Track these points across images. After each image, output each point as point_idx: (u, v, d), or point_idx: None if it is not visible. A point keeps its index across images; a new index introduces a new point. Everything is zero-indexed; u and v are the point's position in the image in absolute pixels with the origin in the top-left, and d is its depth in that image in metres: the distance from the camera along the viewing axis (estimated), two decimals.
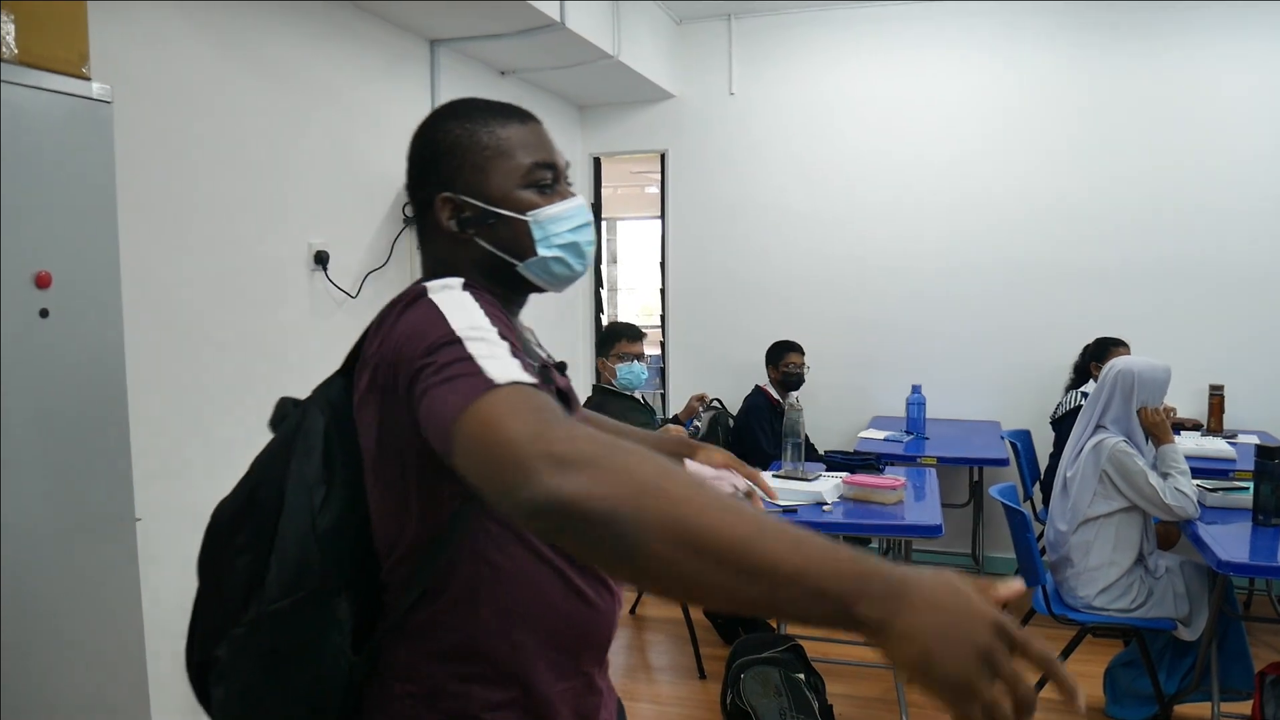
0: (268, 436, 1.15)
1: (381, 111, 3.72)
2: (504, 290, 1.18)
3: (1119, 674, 3.49)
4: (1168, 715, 3.22)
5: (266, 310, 3.09)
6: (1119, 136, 4.80)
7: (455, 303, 1.02)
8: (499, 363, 0.90)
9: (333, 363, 1.19)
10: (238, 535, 1.09)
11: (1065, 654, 3.26)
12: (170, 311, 2.71)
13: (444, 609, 1.08)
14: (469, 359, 0.91)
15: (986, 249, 4.97)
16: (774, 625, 3.49)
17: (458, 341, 0.94)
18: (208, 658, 1.09)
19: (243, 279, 2.99)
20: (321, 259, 3.30)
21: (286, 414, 1.15)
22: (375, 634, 1.10)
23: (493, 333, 0.96)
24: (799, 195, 5.21)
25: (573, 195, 1.20)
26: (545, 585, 1.11)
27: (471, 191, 1.15)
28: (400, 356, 0.99)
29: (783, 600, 0.72)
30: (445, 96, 4.12)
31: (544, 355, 1.24)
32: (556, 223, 1.16)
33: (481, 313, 1.01)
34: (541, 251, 1.16)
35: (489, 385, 0.87)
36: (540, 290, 1.22)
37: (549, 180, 1.18)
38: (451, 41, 4.08)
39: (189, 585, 1.15)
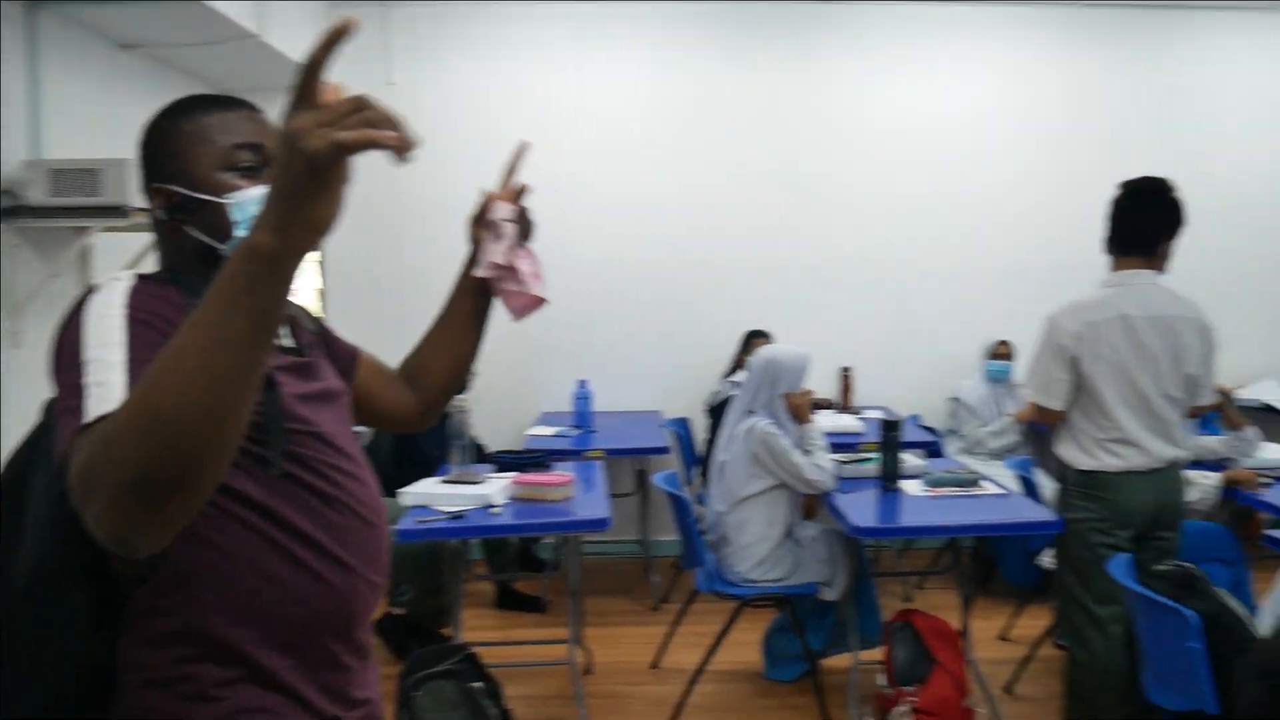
0: None
1: None
2: None
3: (774, 639, 3.76)
4: (816, 670, 3.50)
5: None
6: (767, 140, 5.22)
7: (100, 311, 1.04)
8: (101, 392, 0.95)
9: None
10: None
11: (726, 628, 3.45)
12: None
13: (161, 593, 1.08)
14: (79, 389, 0.96)
15: (645, 245, 5.17)
16: (447, 636, 3.39)
17: (77, 368, 0.98)
18: None
19: None
20: None
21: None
22: (113, 623, 1.11)
23: (117, 351, 0.99)
24: (465, 191, 5.09)
25: None
26: (268, 563, 1.11)
27: (176, 179, 1.17)
28: (50, 369, 1.05)
29: (253, 327, 0.82)
30: (48, 70, 3.56)
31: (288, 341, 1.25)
32: (258, 204, 1.10)
33: (122, 322, 1.02)
34: (241, 233, 1.12)
35: (77, 428, 0.93)
36: None
37: (252, 163, 1.18)
38: (55, 4, 3.53)
39: None
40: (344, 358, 1.42)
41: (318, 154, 0.78)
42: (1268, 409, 5.07)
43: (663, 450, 4.41)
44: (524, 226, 1.49)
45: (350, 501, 1.19)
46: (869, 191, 5.26)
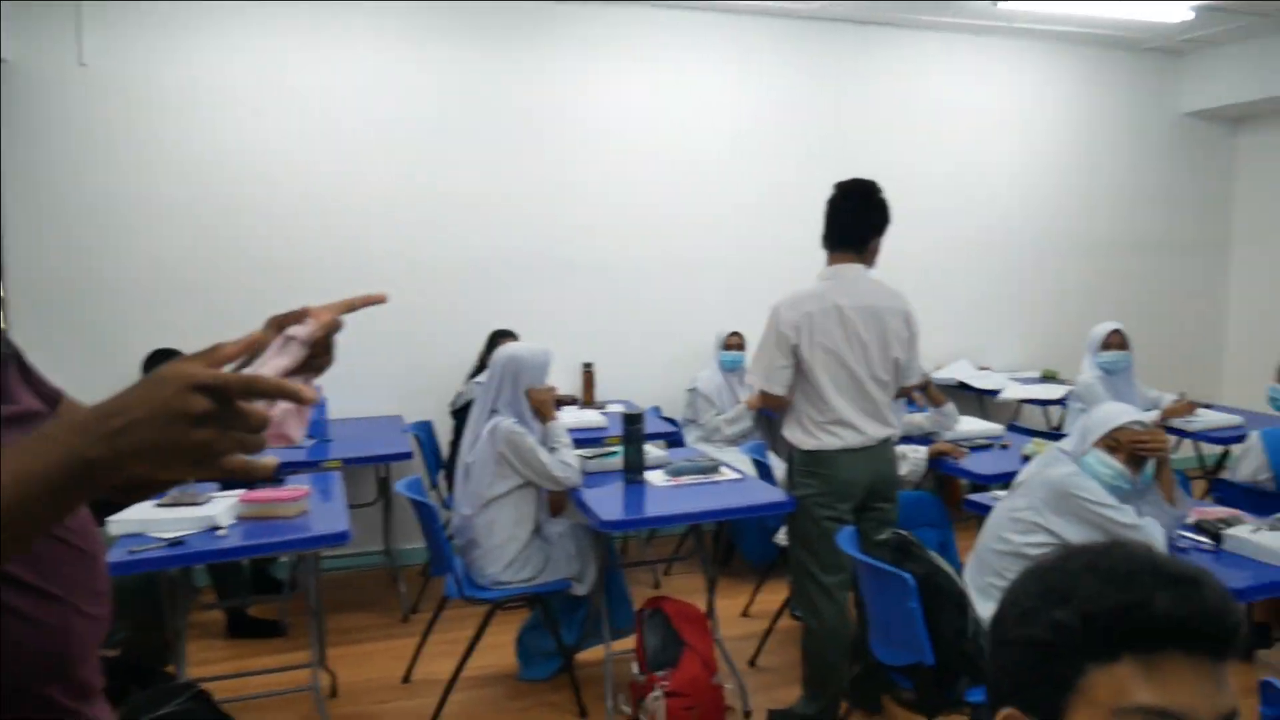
0: None
1: None
2: None
3: (528, 639, 3.73)
4: (571, 665, 3.52)
5: None
6: (503, 138, 5.13)
7: None
8: None
9: None
10: None
11: (479, 633, 3.39)
12: None
13: None
14: None
15: (380, 245, 4.96)
16: (171, 674, 3.09)
17: None
18: None
19: None
20: None
21: None
22: None
23: None
24: (174, 185, 4.66)
25: None
26: None
27: None
28: None
29: (30, 522, 0.76)
30: None
31: None
32: None
33: None
34: None
35: None
36: None
37: None
38: None
39: None
40: (46, 391, 1.24)
41: (214, 462, 0.75)
42: (962, 386, 5.66)
43: (405, 456, 4.25)
44: (316, 358, 1.32)
45: (57, 529, 1.06)
46: (605, 189, 5.34)
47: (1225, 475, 4.08)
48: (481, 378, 4.48)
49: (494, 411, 3.39)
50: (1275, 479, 3.48)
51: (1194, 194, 6.82)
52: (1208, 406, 4.94)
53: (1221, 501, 3.46)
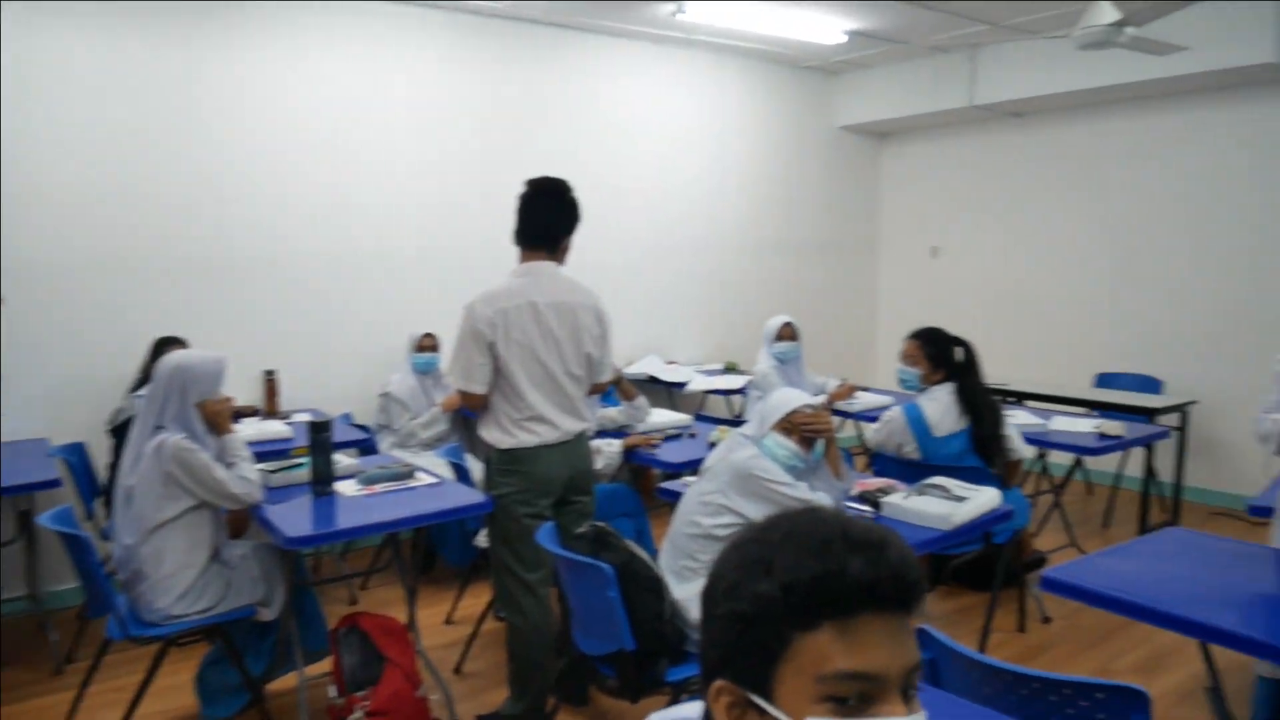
0: None
1: None
2: None
3: (209, 674, 3.40)
4: (261, 697, 3.25)
5: None
6: (174, 126, 4.65)
7: None
8: None
9: None
10: None
11: (150, 675, 3.05)
12: None
13: None
14: None
15: (28, 240, 4.31)
16: None
17: None
18: None
19: None
20: None
21: None
22: None
23: None
24: None
25: None
26: None
27: None
28: None
29: None
30: None
31: None
32: None
33: None
34: None
35: None
36: None
37: None
38: None
39: None
40: None
41: None
42: (652, 380, 5.89)
43: (52, 484, 3.72)
44: None
45: None
46: (284, 184, 4.99)
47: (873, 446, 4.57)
48: (144, 391, 4.05)
49: (159, 428, 3.05)
50: (919, 449, 3.91)
51: (848, 200, 7.57)
52: (865, 389, 5.48)
53: (879, 473, 3.84)
